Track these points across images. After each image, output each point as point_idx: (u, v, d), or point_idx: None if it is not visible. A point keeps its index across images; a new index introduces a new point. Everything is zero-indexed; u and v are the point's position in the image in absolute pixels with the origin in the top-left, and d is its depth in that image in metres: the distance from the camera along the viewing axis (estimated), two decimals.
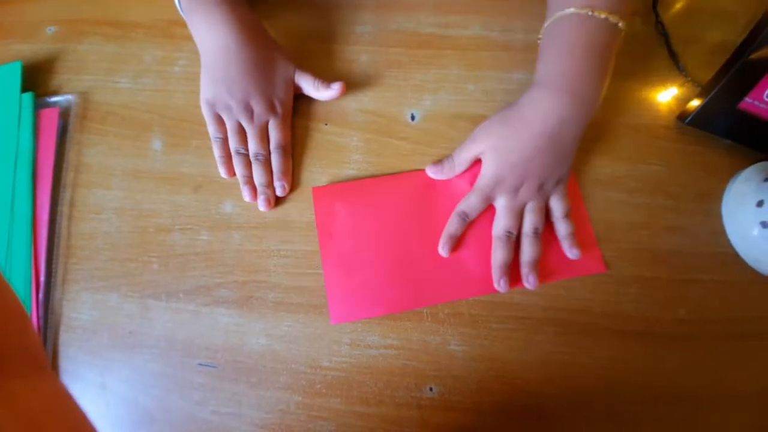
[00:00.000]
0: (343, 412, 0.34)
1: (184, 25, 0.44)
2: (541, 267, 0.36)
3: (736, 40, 0.37)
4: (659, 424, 0.33)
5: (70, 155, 0.41)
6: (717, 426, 0.33)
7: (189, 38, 0.44)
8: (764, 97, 0.36)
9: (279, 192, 0.38)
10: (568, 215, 0.36)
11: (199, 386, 0.35)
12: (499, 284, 0.35)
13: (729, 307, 0.35)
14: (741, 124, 0.37)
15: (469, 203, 0.36)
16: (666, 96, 0.41)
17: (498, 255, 0.35)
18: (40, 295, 0.37)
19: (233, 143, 0.38)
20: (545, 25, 0.36)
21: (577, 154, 0.39)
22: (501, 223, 0.36)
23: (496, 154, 0.35)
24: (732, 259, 0.36)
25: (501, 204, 0.36)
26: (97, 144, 0.41)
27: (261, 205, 0.38)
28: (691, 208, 0.38)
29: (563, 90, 0.33)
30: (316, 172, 0.39)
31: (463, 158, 0.37)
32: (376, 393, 0.34)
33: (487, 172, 0.36)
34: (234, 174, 0.39)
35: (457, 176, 0.38)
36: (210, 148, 0.40)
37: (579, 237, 0.36)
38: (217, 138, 0.38)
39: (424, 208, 0.38)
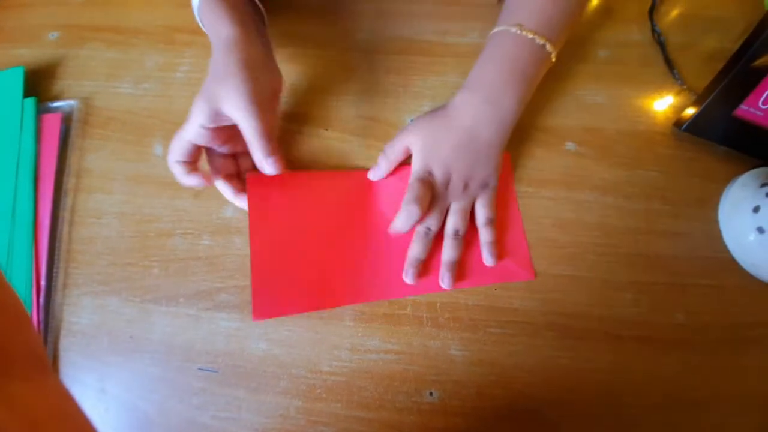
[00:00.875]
0: (343, 416, 0.34)
1: (185, 31, 0.45)
2: (468, 270, 0.36)
3: (732, 48, 0.37)
4: (658, 427, 0.33)
5: (72, 160, 0.41)
6: (714, 429, 0.34)
7: (190, 44, 0.44)
8: (760, 104, 0.36)
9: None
10: (491, 223, 0.37)
11: (199, 391, 0.35)
12: (407, 276, 0.36)
13: (726, 312, 0.36)
14: (737, 131, 0.37)
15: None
16: (662, 103, 0.41)
17: (413, 249, 0.37)
18: (41, 300, 0.37)
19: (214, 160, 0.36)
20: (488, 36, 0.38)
21: (574, 160, 0.39)
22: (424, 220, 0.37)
23: (424, 147, 0.37)
24: (729, 264, 0.37)
25: None
26: (99, 149, 0.41)
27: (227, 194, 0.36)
28: (688, 214, 0.38)
29: (479, 93, 0.36)
30: None
31: (396, 149, 0.38)
32: (377, 398, 0.34)
33: (415, 165, 0.37)
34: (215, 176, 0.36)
35: (397, 178, 0.38)
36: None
37: (510, 243, 0.37)
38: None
39: (361, 206, 0.38)
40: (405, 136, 0.38)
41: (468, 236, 0.37)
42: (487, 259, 0.37)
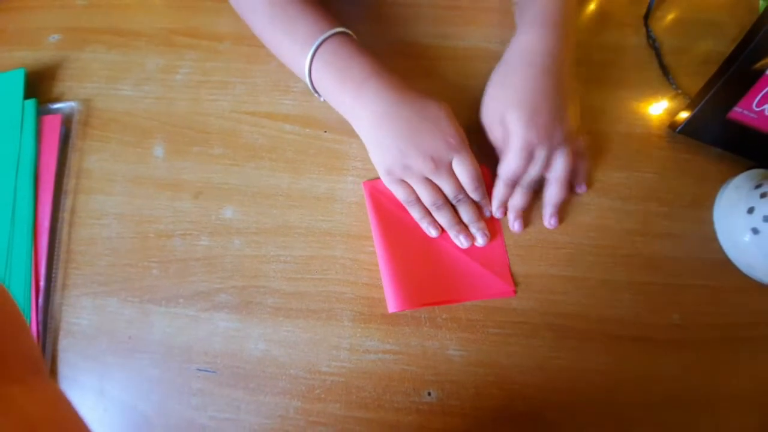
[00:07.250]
0: (342, 417, 0.34)
1: (185, 34, 0.45)
2: (450, 287, 0.37)
3: (726, 51, 0.38)
4: (655, 427, 0.34)
5: (72, 161, 0.41)
6: (711, 429, 0.34)
7: (190, 47, 0.45)
8: (753, 106, 0.37)
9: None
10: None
11: (198, 392, 0.35)
12: (550, 222, 0.38)
13: (722, 312, 0.36)
14: (731, 133, 0.38)
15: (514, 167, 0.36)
16: (658, 106, 0.42)
17: (556, 195, 0.37)
18: (40, 300, 0.37)
19: (429, 198, 0.37)
20: None
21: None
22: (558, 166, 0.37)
23: (518, 108, 0.35)
24: (724, 264, 0.37)
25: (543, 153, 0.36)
26: (99, 150, 0.41)
27: (480, 241, 0.37)
28: (683, 215, 0.38)
29: (544, 25, 0.36)
30: (316, 179, 0.40)
31: (496, 136, 0.38)
32: (375, 398, 0.34)
33: (516, 129, 0.35)
34: (443, 230, 0.38)
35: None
36: (211, 155, 0.41)
37: (493, 263, 0.37)
38: (411, 200, 0.37)
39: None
40: (493, 117, 0.37)
41: (455, 255, 0.37)
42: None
